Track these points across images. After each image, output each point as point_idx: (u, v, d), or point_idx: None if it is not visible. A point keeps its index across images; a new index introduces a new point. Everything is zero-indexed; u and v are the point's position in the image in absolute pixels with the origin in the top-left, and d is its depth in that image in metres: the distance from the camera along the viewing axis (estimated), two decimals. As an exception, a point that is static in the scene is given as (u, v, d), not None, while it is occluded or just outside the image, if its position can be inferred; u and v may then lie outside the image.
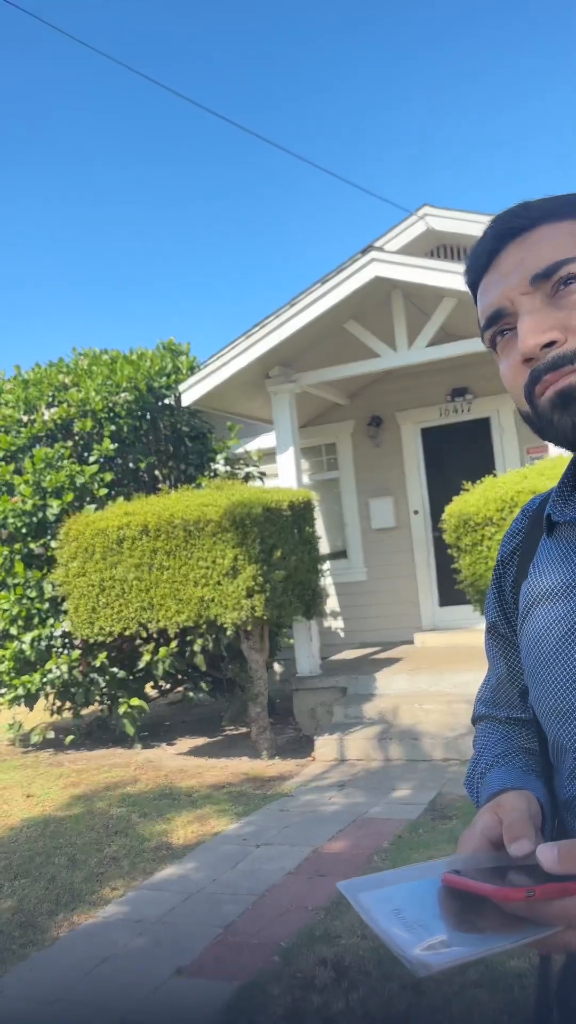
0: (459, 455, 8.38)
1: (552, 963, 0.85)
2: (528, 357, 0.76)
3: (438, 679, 6.51)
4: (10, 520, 6.93)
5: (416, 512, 8.56)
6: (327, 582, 8.55)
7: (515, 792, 0.79)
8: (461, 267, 6.08)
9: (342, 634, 8.87)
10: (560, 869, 0.57)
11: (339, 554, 8.90)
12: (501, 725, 0.99)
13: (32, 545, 7.04)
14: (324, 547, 8.39)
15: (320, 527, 7.85)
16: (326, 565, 7.94)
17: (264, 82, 37.64)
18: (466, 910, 0.60)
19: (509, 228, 0.79)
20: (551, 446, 6.25)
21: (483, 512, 5.46)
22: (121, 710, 6.86)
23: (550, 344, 0.74)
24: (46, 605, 6.96)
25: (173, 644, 6.54)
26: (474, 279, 0.84)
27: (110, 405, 7.41)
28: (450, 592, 8.05)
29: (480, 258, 0.82)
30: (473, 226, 8.22)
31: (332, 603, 8.79)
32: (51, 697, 7.32)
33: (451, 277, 6.33)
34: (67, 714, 7.51)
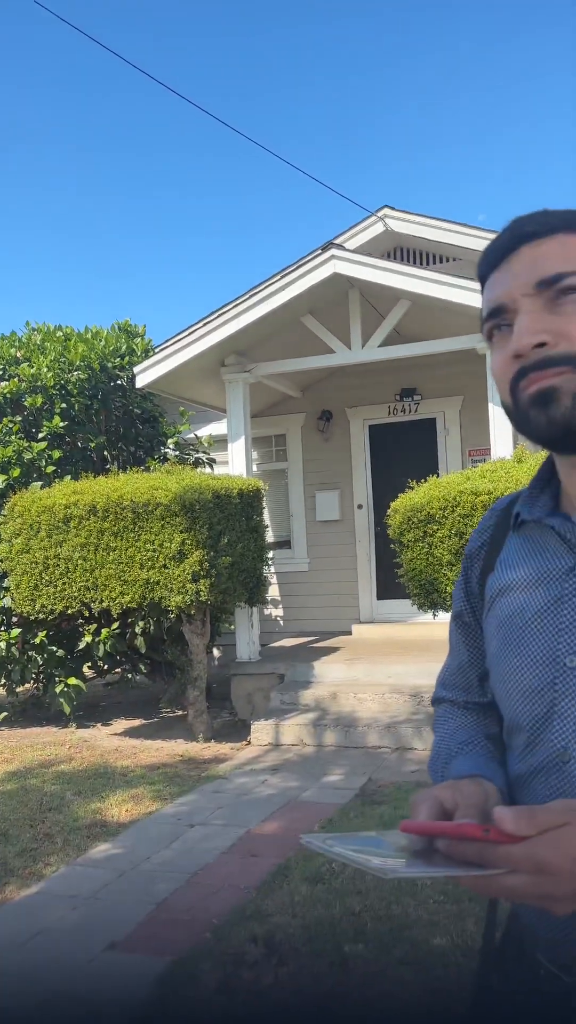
0: (404, 453, 8.57)
1: (497, 915, 0.95)
2: (518, 354, 0.81)
3: (374, 669, 6.69)
4: (-47, 493, 6.83)
5: (360, 506, 8.72)
6: (270, 570, 8.66)
7: (473, 782, 0.85)
8: (419, 270, 6.20)
9: (282, 622, 8.99)
10: (514, 829, 0.66)
11: (283, 543, 9.01)
12: (460, 710, 1.07)
13: (-25, 519, 6.94)
14: (269, 536, 8.48)
15: (266, 516, 7.94)
16: (270, 554, 8.04)
17: (242, 71, 37.25)
18: (416, 854, 0.71)
19: (526, 232, 0.83)
20: (492, 450, 6.49)
21: (427, 509, 5.62)
22: (58, 689, 6.84)
23: (540, 345, 0.80)
24: (-14, 580, 6.88)
25: (115, 625, 6.55)
26: (484, 272, 0.89)
27: (62, 382, 7.35)
28: (389, 586, 8.25)
29: (494, 254, 0.86)
30: (431, 230, 8.38)
31: (274, 591, 8.90)
32: (-14, 673, 7.25)
33: (408, 279, 6.46)
34: (1, 691, 7.45)
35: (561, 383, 0.80)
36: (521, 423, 0.85)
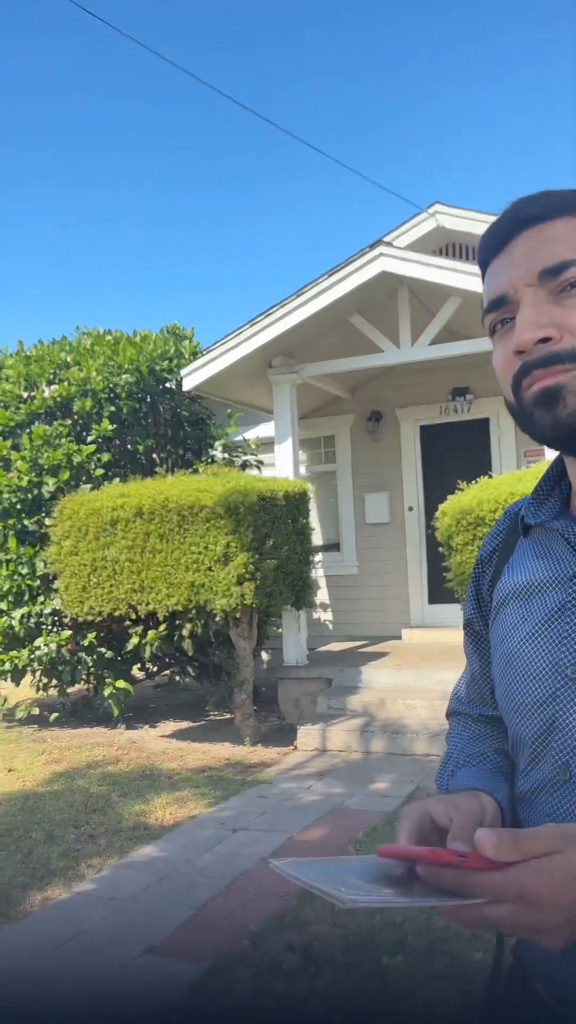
0: (456, 454, 8.40)
1: (506, 941, 0.87)
2: (520, 349, 0.75)
3: (423, 675, 6.55)
4: (5, 495, 6.95)
5: (411, 509, 8.58)
6: (318, 574, 8.57)
7: (471, 796, 0.79)
8: (469, 267, 6.03)
9: (331, 626, 8.90)
10: (494, 854, 0.58)
11: (332, 546, 8.93)
12: (474, 722, 1.01)
13: (26, 522, 7.05)
14: (317, 539, 8.41)
15: (314, 519, 7.88)
16: (318, 557, 7.96)
17: (275, 67, 37.35)
18: (396, 880, 0.64)
19: (527, 215, 0.77)
20: (547, 449, 6.28)
21: (476, 512, 5.48)
22: (107, 691, 6.89)
23: (545, 340, 0.74)
24: (37, 582, 6.98)
25: (162, 627, 6.56)
26: (484, 258, 0.82)
27: (111, 386, 7.41)
28: (440, 590, 8.08)
29: (493, 239, 0.80)
30: (484, 226, 8.19)
31: (322, 595, 8.82)
32: (38, 674, 7.35)
33: (458, 276, 6.32)
34: (53, 691, 7.54)
35: (567, 381, 0.73)
36: (525, 423, 0.79)
